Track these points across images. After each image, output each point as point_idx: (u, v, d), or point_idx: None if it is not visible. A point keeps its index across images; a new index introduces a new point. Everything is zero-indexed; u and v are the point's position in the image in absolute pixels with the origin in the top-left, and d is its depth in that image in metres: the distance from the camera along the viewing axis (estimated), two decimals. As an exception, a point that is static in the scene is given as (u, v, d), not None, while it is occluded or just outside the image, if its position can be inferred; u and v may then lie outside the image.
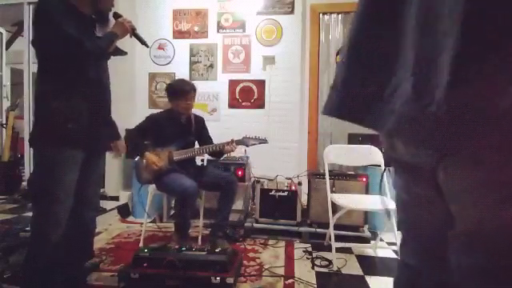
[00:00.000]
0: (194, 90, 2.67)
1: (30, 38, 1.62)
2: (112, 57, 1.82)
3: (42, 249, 1.59)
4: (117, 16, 1.78)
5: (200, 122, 2.85)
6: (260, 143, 2.64)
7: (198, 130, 2.79)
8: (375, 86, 0.63)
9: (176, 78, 4.05)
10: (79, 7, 1.62)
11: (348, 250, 2.64)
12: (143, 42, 1.87)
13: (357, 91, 0.66)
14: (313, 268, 2.33)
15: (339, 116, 0.70)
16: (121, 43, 1.93)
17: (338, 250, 2.42)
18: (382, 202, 2.47)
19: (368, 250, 2.70)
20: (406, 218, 0.80)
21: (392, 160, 0.76)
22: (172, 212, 3.47)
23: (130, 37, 1.79)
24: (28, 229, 2.27)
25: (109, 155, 1.92)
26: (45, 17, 1.50)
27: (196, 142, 2.83)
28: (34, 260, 1.60)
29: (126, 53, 1.91)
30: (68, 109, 1.57)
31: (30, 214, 1.66)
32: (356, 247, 2.70)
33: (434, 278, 0.73)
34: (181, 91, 2.61)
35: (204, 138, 2.84)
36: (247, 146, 2.66)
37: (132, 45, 4.03)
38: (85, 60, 1.58)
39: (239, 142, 2.61)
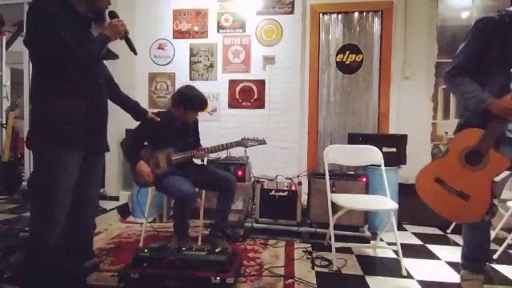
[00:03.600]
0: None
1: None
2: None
3: (41, 249, 1.58)
4: (113, 16, 1.72)
5: (195, 122, 2.84)
6: (259, 144, 2.64)
7: (193, 131, 2.78)
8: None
9: (176, 78, 4.06)
10: (76, 6, 1.60)
11: (348, 250, 2.64)
12: (132, 49, 1.79)
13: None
14: (313, 268, 2.33)
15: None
16: (120, 41, 1.93)
17: (338, 249, 2.41)
18: (382, 202, 2.47)
19: (368, 250, 2.70)
20: None
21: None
22: (172, 212, 3.46)
23: (121, 39, 1.72)
24: (28, 229, 2.28)
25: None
26: (39, 18, 1.47)
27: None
28: (34, 260, 1.59)
29: (117, 56, 1.88)
30: (65, 109, 1.56)
31: (29, 214, 1.66)
32: (356, 247, 2.70)
33: None
34: (196, 108, 2.59)
35: (195, 139, 2.82)
36: (246, 147, 2.66)
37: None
38: (77, 65, 1.55)
39: (238, 144, 2.60)
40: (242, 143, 2.61)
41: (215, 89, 3.99)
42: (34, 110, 1.61)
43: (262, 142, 2.65)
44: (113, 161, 3.66)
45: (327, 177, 2.57)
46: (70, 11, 1.57)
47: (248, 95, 3.94)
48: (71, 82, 1.58)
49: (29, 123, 1.63)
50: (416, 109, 3.76)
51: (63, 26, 1.48)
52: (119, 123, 3.43)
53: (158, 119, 2.33)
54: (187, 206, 2.36)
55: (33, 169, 1.64)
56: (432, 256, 2.64)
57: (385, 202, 2.42)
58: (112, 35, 1.65)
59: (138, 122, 2.51)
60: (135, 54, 1.81)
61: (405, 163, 3.27)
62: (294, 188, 2.96)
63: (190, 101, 2.57)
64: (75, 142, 1.60)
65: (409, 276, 2.24)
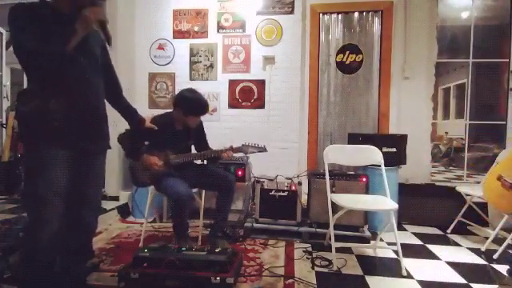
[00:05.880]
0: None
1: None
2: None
3: (35, 249, 1.58)
4: (92, 3, 1.54)
5: (198, 125, 2.81)
6: (259, 151, 2.61)
7: (195, 134, 2.76)
8: None
9: (176, 78, 4.06)
10: (61, 9, 1.58)
11: (348, 250, 2.64)
12: (107, 38, 1.64)
13: None
14: (313, 268, 2.33)
15: None
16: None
17: (338, 249, 2.42)
18: (382, 202, 2.47)
19: (368, 249, 2.70)
20: None
21: None
22: (171, 212, 3.46)
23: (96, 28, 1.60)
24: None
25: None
26: (9, 23, 1.50)
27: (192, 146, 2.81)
28: (31, 260, 1.59)
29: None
30: (46, 108, 1.54)
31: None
32: (356, 247, 2.70)
33: None
34: (196, 113, 2.58)
35: (201, 142, 2.80)
36: (246, 153, 2.65)
37: (132, 45, 4.05)
38: (39, 61, 1.50)
39: (238, 150, 2.58)
40: (242, 149, 2.59)
41: (215, 89, 3.98)
42: (18, 107, 1.63)
43: (263, 150, 2.62)
44: (113, 161, 3.65)
45: (327, 177, 2.57)
46: (55, 15, 1.55)
47: (248, 95, 3.94)
48: (53, 80, 1.56)
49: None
50: (416, 109, 3.76)
51: (29, 26, 1.47)
52: (119, 123, 3.43)
53: (156, 128, 2.22)
54: (185, 208, 2.36)
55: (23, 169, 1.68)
56: (432, 256, 2.64)
57: (385, 202, 2.42)
58: (79, 27, 1.50)
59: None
60: (109, 44, 1.66)
61: (405, 163, 3.27)
62: (294, 188, 2.96)
63: (190, 105, 2.55)
64: (58, 140, 1.57)
65: (409, 276, 2.24)
